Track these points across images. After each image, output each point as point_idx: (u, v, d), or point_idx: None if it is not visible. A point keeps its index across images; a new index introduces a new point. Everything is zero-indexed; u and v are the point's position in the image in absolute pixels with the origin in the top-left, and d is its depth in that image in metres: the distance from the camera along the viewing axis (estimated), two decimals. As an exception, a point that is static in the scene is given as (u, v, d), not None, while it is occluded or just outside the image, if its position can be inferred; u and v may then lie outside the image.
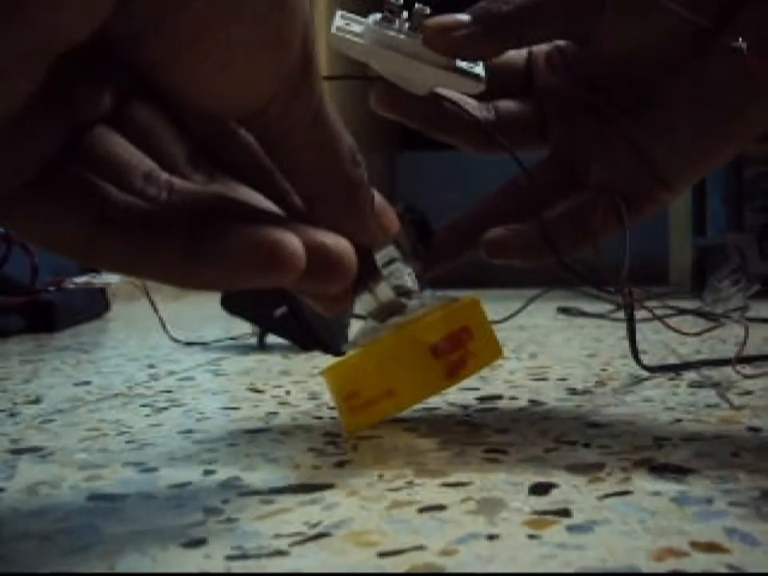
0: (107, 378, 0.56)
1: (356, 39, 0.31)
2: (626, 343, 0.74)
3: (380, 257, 0.30)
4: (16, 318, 0.95)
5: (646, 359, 0.62)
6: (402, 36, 0.31)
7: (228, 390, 0.50)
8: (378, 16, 0.31)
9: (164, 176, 0.24)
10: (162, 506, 0.26)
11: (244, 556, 0.21)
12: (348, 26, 0.31)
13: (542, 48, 0.38)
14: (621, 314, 1.09)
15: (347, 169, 0.24)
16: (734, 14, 0.31)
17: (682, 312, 1.08)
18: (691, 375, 0.52)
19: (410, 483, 0.27)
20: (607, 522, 0.23)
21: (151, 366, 0.62)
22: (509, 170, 0.40)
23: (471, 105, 0.36)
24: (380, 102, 0.35)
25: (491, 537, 0.22)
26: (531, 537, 0.22)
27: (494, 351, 0.36)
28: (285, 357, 0.66)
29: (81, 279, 1.08)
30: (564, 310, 1.15)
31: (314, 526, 0.23)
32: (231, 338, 0.81)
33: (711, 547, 0.21)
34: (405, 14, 0.32)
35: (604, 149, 0.36)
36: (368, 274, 0.29)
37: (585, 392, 0.46)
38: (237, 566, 0.20)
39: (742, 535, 0.22)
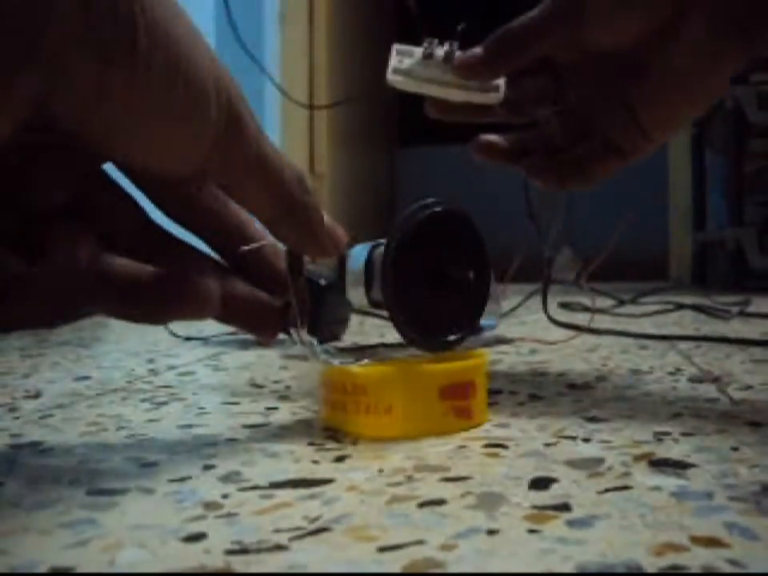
0: (107, 373, 0.56)
1: (405, 80, 0.43)
2: (625, 340, 0.75)
3: None
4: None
5: (646, 354, 0.62)
6: (438, 70, 0.44)
7: (228, 384, 0.50)
8: (420, 52, 0.44)
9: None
10: (161, 500, 0.25)
11: (244, 551, 0.21)
12: (401, 63, 0.43)
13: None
14: (621, 310, 1.09)
15: (296, 196, 0.28)
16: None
17: (681, 307, 1.08)
18: (691, 370, 0.52)
19: (410, 478, 0.27)
20: (607, 516, 0.23)
21: (151, 361, 0.62)
22: (507, 168, 0.44)
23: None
24: (432, 110, 0.46)
25: (491, 531, 0.22)
26: (531, 531, 0.22)
27: (484, 416, 0.36)
28: (284, 352, 0.66)
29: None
30: (565, 305, 1.15)
31: (314, 520, 0.23)
32: (231, 333, 0.81)
33: (711, 542, 0.21)
34: (440, 49, 0.44)
35: (605, 107, 0.45)
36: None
37: (585, 387, 0.46)
38: (236, 561, 0.20)
39: (742, 530, 0.22)
